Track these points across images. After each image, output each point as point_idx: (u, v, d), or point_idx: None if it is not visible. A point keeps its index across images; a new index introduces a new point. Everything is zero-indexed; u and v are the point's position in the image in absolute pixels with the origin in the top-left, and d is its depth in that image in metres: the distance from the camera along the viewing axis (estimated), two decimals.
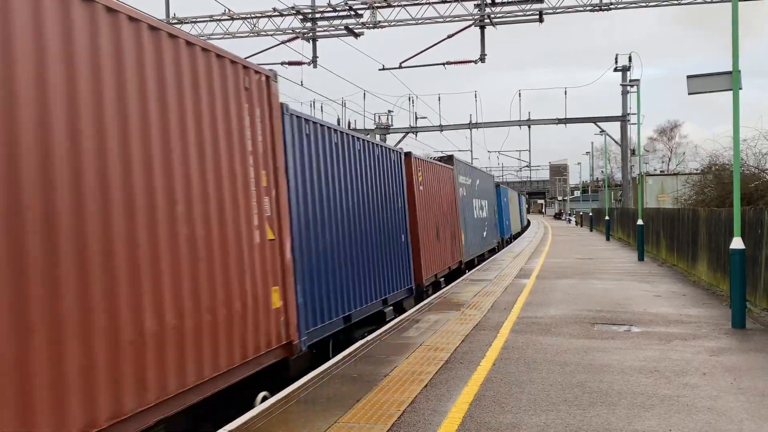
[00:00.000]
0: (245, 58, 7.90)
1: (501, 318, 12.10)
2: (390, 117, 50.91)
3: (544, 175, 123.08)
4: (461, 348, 9.66)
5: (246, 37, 23.83)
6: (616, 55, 41.98)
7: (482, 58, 23.69)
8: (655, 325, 11.35)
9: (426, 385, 7.68)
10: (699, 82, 12.70)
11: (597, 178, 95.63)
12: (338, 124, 50.75)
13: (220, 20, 23.39)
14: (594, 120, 45.88)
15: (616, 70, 42.04)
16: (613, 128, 62.09)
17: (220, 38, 23.45)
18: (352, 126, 50.51)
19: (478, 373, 8.16)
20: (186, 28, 23.89)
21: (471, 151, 62.17)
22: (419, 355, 9.24)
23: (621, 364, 8.56)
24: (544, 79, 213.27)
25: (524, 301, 14.16)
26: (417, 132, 49.80)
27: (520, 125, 47.13)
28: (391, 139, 48.77)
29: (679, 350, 9.38)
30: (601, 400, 7.03)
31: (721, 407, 6.77)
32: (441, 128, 49.36)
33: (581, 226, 52.00)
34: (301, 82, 53.60)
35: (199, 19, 23.60)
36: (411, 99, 53.50)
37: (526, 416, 6.51)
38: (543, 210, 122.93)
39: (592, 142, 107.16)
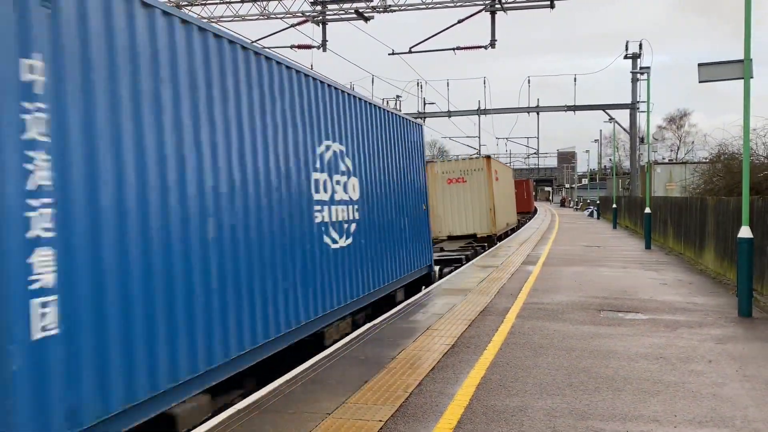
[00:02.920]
0: (252, 42, 7.82)
1: (507, 304, 12.15)
2: (398, 102, 50.85)
3: (552, 162, 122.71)
4: (468, 333, 9.72)
5: (256, 20, 23.79)
6: (627, 42, 41.72)
7: (492, 44, 23.60)
8: (661, 312, 11.37)
9: (433, 368, 7.74)
10: (710, 70, 12.65)
11: (605, 166, 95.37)
12: None
13: (230, 3, 23.36)
14: (603, 107, 45.69)
15: (626, 57, 41.78)
16: (622, 116, 61.95)
17: (229, 21, 23.42)
18: None
19: (484, 358, 8.22)
20: (196, 10, 23.88)
21: (479, 137, 62.04)
22: (426, 339, 9.30)
23: (627, 351, 8.60)
24: (552, 66, 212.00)
25: (531, 288, 14.20)
26: (425, 118, 49.69)
27: (528, 112, 46.99)
28: None
29: (685, 337, 9.41)
30: (607, 385, 7.08)
31: (726, 394, 6.81)
32: (449, 114, 49.27)
33: (596, 218, 51.62)
34: (311, 65, 53.39)
35: (209, 2, 23.57)
36: (420, 84, 53.41)
37: (533, 400, 6.57)
38: (550, 197, 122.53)
39: (601, 130, 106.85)
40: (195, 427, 6.11)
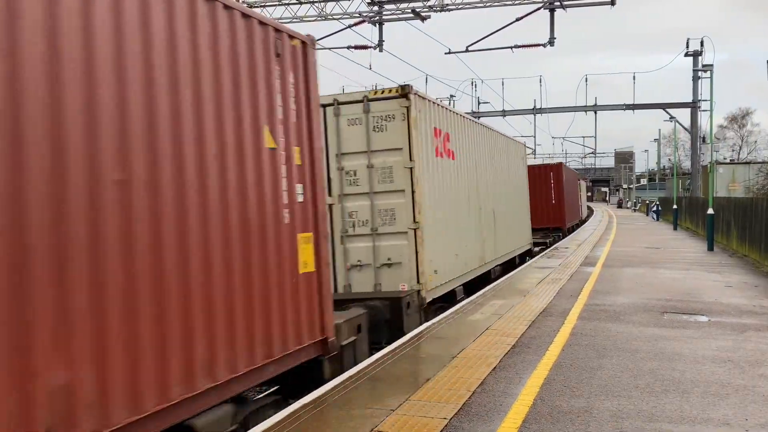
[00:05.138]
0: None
1: (568, 305, 12.02)
2: (452, 102, 50.70)
3: (609, 162, 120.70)
4: (528, 333, 9.66)
5: (314, 21, 24.03)
6: (687, 39, 40.84)
7: (551, 42, 23.36)
8: (727, 315, 11.11)
9: (495, 368, 7.72)
10: None
11: (664, 166, 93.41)
12: None
13: (288, 4, 23.65)
14: (663, 106, 44.78)
15: (687, 54, 40.87)
16: (681, 115, 60.55)
17: (288, 22, 23.68)
18: None
19: (547, 358, 8.16)
20: (256, 11, 24.30)
21: (534, 136, 61.50)
22: (486, 339, 9.28)
23: (693, 353, 8.44)
24: (607, 64, 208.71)
25: (591, 289, 14.02)
26: (479, 117, 49.43)
27: (586, 111, 46.36)
28: None
29: (753, 341, 9.18)
30: (674, 387, 6.97)
31: None
32: (504, 113, 48.94)
33: (656, 219, 50.22)
34: (370, 65, 53.71)
35: (268, 3, 23.91)
36: (474, 83, 53.18)
37: (598, 401, 6.51)
38: (607, 198, 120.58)
39: (660, 129, 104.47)
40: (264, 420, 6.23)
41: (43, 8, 4.17)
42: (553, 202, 31.07)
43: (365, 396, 6.74)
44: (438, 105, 12.89)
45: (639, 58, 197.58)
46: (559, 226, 31.52)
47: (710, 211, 24.80)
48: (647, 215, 54.50)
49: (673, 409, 6.29)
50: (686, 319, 10.81)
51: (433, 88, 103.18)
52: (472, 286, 14.40)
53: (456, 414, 6.15)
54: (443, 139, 12.78)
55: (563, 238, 31.32)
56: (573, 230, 37.33)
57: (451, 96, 51.52)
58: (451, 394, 6.72)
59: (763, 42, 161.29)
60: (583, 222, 47.25)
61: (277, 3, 23.79)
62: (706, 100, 43.54)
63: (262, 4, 23.94)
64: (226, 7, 6.12)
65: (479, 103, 52.97)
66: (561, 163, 32.89)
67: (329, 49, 23.31)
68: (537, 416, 6.08)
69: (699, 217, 33.11)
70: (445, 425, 5.86)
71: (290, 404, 6.62)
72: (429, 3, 23.62)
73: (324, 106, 10.85)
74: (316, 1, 23.72)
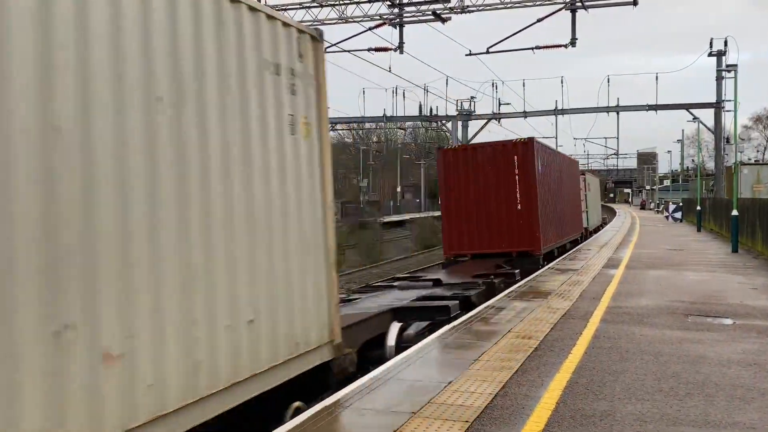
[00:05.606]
0: (332, 45, 7.89)
1: (590, 307, 11.94)
2: (473, 103, 50.53)
3: (631, 163, 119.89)
4: (550, 336, 9.60)
5: (334, 23, 24.10)
6: (711, 39, 40.42)
7: (573, 43, 23.24)
8: (752, 318, 10.98)
9: (516, 371, 7.68)
10: None
11: (687, 167, 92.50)
12: (420, 110, 50.81)
13: (309, 7, 23.75)
14: (686, 107, 44.34)
15: (710, 54, 40.46)
16: (705, 115, 59.92)
17: (309, 24, 23.77)
18: (434, 112, 50.36)
19: (569, 361, 8.11)
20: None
21: (556, 137, 60.84)
22: (507, 342, 9.24)
23: (718, 356, 8.34)
24: (629, 64, 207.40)
25: (614, 291, 13.91)
26: (500, 118, 49.27)
27: (608, 112, 45.95)
28: (474, 126, 48.42)
29: None
30: (698, 391, 6.89)
31: None
32: (525, 114, 48.66)
33: (680, 221, 49.33)
34: (390, 68, 53.59)
35: (289, 7, 24.04)
36: (494, 85, 52.93)
37: (621, 405, 6.45)
38: (629, 199, 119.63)
39: (683, 130, 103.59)
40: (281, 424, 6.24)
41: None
42: (519, 208, 19.41)
43: (386, 397, 6.73)
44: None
45: (661, 58, 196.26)
46: (527, 250, 19.58)
47: (734, 212, 24.52)
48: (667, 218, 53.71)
49: (697, 413, 6.22)
50: (711, 321, 10.69)
51: (453, 90, 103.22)
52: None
53: (477, 417, 6.12)
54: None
55: (537, 271, 18.06)
56: (564, 251, 24.32)
57: (472, 98, 51.32)
58: (473, 398, 6.69)
59: None
60: (590, 234, 35.48)
61: (298, 6, 23.90)
62: (730, 101, 43.01)
63: (283, 7, 24.07)
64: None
65: (500, 105, 52.66)
66: (532, 140, 20.05)
67: (349, 51, 23.37)
68: (560, 420, 6.04)
69: (723, 219, 32.75)
70: (467, 429, 5.84)
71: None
72: (449, 4, 23.62)
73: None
74: (336, 4, 23.79)
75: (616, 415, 6.14)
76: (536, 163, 19.55)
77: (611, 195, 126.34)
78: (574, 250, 25.54)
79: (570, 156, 33.30)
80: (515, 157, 19.22)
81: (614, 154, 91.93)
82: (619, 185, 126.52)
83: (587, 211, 34.31)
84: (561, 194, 24.28)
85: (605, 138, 72.73)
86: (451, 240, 20.07)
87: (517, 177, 19.16)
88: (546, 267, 19.23)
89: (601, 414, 6.19)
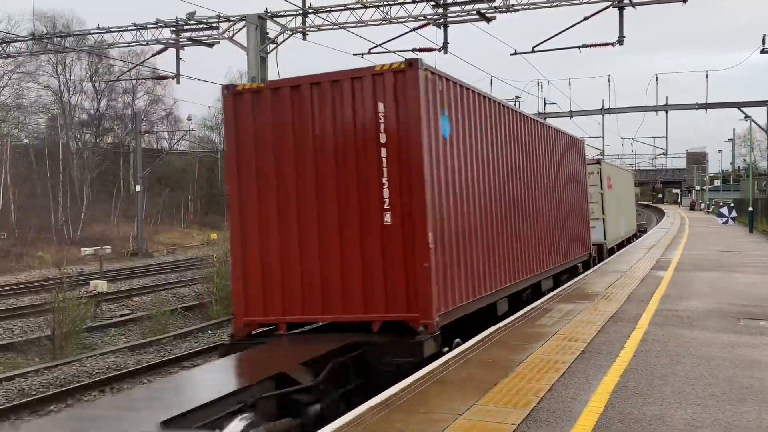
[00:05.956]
0: (377, 45, 7.76)
1: (638, 310, 11.74)
2: (517, 103, 50.15)
3: (680, 163, 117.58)
4: (597, 339, 9.47)
5: (378, 24, 24.08)
6: (764, 35, 39.33)
7: (620, 41, 22.84)
8: None
9: (563, 374, 7.60)
10: None
11: (739, 167, 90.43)
12: None
13: (353, 9, 23.81)
14: (738, 105, 43.30)
15: (763, 51, 39.38)
16: (757, 114, 58.55)
17: (353, 26, 23.89)
18: None
19: (617, 364, 7.99)
20: (323, 16, 24.55)
21: (602, 137, 60.06)
22: (553, 344, 9.15)
23: None
24: (676, 63, 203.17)
25: (663, 293, 13.66)
26: (546, 118, 48.70)
27: (656, 111, 45.09)
28: None
29: None
30: (752, 396, 6.73)
31: None
32: (571, 114, 48.05)
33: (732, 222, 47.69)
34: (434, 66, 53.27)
35: (333, 8, 24.15)
36: (540, 84, 52.45)
37: (671, 409, 6.33)
38: (678, 200, 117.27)
39: (734, 129, 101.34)
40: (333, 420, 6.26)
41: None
42: (387, 222, 9.00)
43: (431, 399, 6.73)
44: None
45: (710, 56, 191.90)
46: (402, 317, 9.02)
47: None
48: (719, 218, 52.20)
49: (750, 418, 6.07)
50: (764, 325, 10.43)
51: (498, 89, 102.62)
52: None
53: (524, 420, 6.07)
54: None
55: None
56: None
57: (517, 97, 50.90)
58: (519, 400, 6.64)
59: None
60: (608, 252, 24.80)
61: (342, 8, 23.98)
62: None
63: (328, 9, 24.19)
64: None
65: (545, 104, 52.13)
66: (417, 61, 9.82)
67: (395, 52, 23.35)
68: (608, 423, 5.96)
69: None
70: (513, 431, 5.80)
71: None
72: (494, 4, 23.43)
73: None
74: (381, 5, 23.81)
75: (666, 420, 6.03)
76: (435, 119, 9.67)
77: (660, 195, 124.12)
78: (618, 253, 25.14)
79: (571, 135, 19.29)
80: (379, 109, 9.21)
81: (663, 153, 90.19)
82: (667, 185, 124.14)
83: (604, 219, 24.04)
84: (529, 189, 14.14)
85: (653, 137, 71.54)
86: (247, 293, 9.66)
87: (384, 152, 9.08)
88: (591, 269, 19.04)
89: (650, 418, 6.08)
